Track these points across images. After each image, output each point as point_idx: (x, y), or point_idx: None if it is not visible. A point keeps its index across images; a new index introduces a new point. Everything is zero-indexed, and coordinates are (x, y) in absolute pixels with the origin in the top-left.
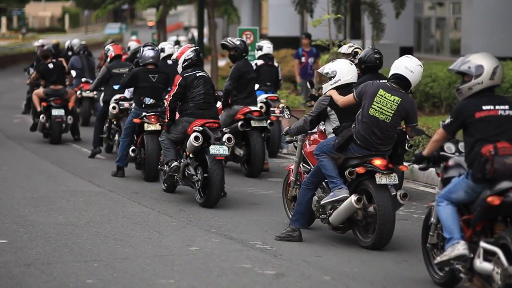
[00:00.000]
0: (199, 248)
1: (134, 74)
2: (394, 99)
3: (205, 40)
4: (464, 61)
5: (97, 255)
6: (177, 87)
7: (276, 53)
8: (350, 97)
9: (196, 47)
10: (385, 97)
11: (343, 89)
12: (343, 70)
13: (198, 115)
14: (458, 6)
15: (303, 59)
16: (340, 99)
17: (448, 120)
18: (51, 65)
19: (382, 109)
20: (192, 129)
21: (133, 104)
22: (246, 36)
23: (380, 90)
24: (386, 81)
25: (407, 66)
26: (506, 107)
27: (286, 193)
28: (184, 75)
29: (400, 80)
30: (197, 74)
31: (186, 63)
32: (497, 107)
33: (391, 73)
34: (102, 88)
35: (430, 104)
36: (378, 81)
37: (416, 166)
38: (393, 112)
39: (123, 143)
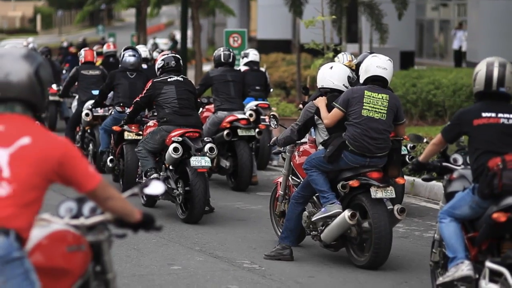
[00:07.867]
0: (181, 267)
1: (112, 75)
2: (383, 96)
3: (189, 43)
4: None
5: None
6: (145, 90)
7: (265, 57)
8: (335, 112)
9: (174, 54)
10: (373, 97)
11: (330, 94)
12: (319, 75)
13: (177, 123)
14: (463, 7)
15: None
16: (326, 117)
17: (447, 125)
18: None
19: (375, 108)
20: (171, 139)
21: (114, 109)
22: (233, 39)
23: (365, 91)
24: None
25: (379, 65)
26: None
27: (274, 208)
28: (154, 80)
29: (378, 81)
30: (168, 80)
31: (159, 71)
32: (499, 114)
33: (364, 77)
34: (75, 95)
35: (433, 113)
36: (357, 86)
37: (417, 179)
38: (386, 108)
39: (105, 131)
